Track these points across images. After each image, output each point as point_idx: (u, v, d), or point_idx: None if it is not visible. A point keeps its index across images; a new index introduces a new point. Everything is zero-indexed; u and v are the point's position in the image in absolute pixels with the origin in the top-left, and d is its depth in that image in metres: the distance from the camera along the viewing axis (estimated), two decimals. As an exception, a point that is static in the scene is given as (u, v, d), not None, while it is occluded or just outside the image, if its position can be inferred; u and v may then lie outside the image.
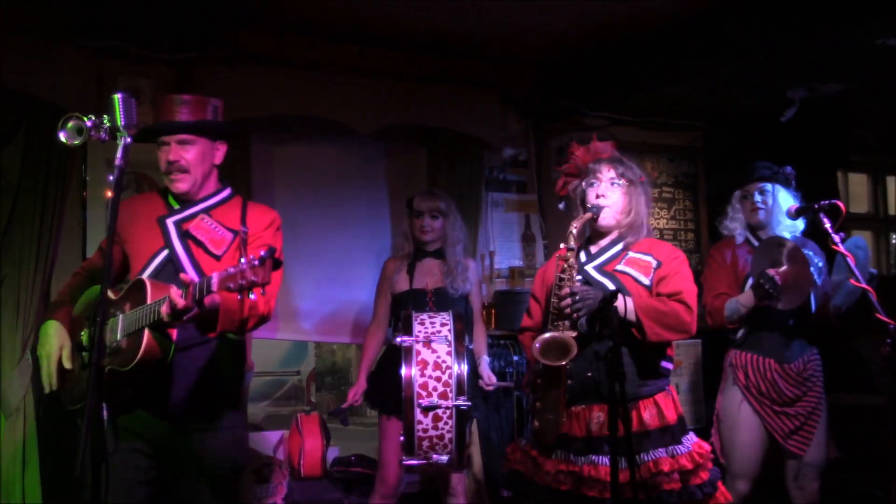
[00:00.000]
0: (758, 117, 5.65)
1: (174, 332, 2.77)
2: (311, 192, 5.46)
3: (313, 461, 5.25)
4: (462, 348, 3.78)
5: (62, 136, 2.50)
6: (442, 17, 4.83)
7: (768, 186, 4.02)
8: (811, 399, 3.91)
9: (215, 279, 2.53)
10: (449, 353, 3.75)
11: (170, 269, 2.89)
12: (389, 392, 4.25)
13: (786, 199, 4.01)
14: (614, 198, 3.20)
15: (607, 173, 3.21)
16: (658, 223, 6.19)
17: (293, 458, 5.30)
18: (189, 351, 2.86)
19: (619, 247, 3.22)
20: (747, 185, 4.08)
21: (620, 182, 3.20)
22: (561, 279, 3.07)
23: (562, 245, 3.10)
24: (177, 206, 3.02)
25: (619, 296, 2.99)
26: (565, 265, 3.07)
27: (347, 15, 4.77)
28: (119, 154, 2.46)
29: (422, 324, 3.83)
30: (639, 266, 3.15)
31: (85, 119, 2.48)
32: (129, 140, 2.48)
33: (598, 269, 3.18)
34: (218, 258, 2.93)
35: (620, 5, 4.64)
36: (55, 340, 2.88)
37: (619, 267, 3.16)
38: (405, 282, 4.41)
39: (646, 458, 2.99)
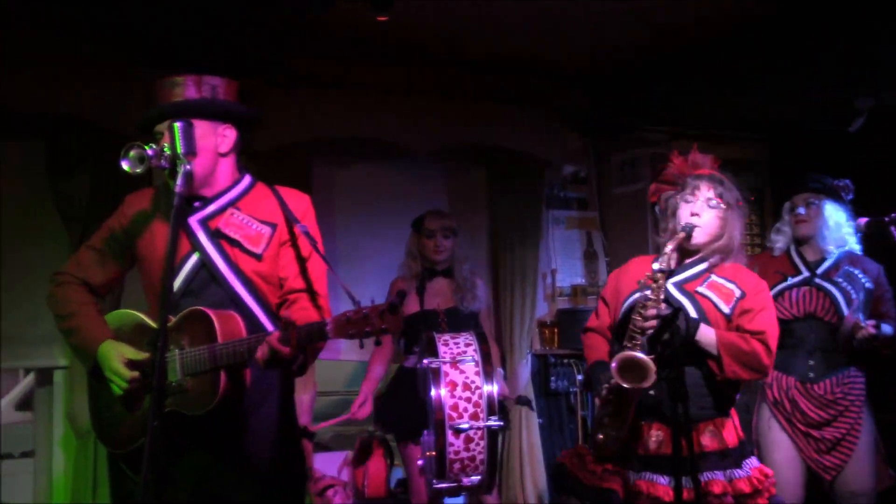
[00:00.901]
0: (825, 128, 5.51)
1: (248, 373, 2.55)
2: (371, 213, 5.50)
3: (377, 482, 5.24)
4: (490, 368, 3.71)
5: (124, 165, 2.52)
6: (498, 35, 4.83)
7: (815, 199, 3.90)
8: (842, 424, 3.74)
9: (331, 326, 2.32)
10: (477, 374, 3.68)
11: (203, 276, 2.63)
12: (405, 418, 4.22)
13: (835, 213, 3.88)
14: (707, 218, 3.09)
15: (706, 192, 3.11)
16: (723, 238, 6.08)
17: (357, 479, 5.31)
18: (259, 391, 2.65)
19: (703, 266, 3.13)
20: (794, 197, 3.98)
21: (718, 204, 3.10)
22: (648, 299, 2.99)
23: (655, 265, 3.00)
24: (196, 203, 2.67)
25: (702, 326, 2.96)
26: (654, 285, 2.99)
27: (404, 37, 4.80)
28: (179, 181, 2.47)
29: (445, 345, 3.77)
30: (721, 292, 3.06)
31: (147, 147, 2.50)
32: (188, 167, 2.49)
33: (678, 286, 3.11)
34: (259, 257, 2.65)
35: (676, 17, 4.57)
36: (112, 353, 2.59)
37: (700, 289, 3.08)
38: (415, 302, 4.38)
39: (701, 480, 2.91)
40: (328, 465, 5.40)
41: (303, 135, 5.01)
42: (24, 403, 8.12)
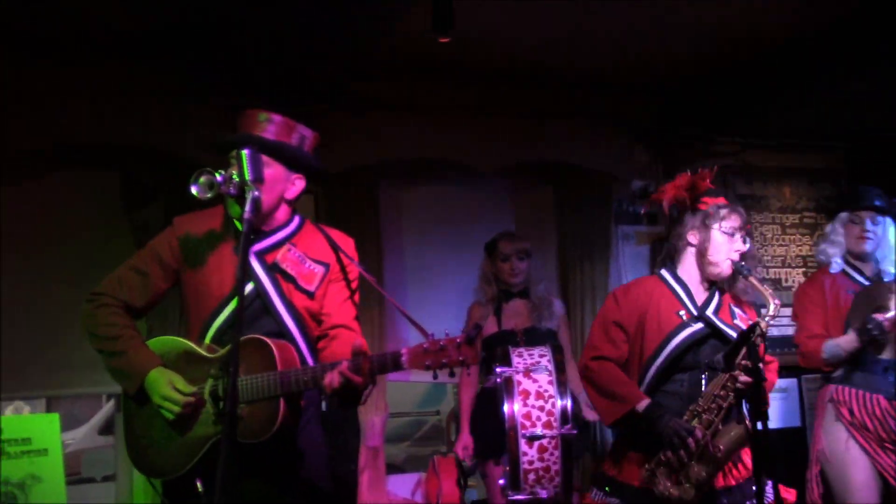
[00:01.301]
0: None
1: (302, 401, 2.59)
2: (439, 234, 5.51)
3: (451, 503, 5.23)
4: (564, 378, 3.69)
5: (194, 190, 2.56)
6: (561, 51, 4.80)
7: (881, 217, 3.87)
8: None
9: (406, 357, 2.35)
10: (550, 383, 3.68)
11: (257, 307, 2.66)
12: (486, 437, 4.22)
13: (892, 232, 3.90)
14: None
15: (742, 232, 3.18)
16: (801, 250, 5.97)
17: (431, 500, 5.30)
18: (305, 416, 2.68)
19: (718, 295, 3.18)
20: (858, 211, 3.89)
21: (746, 241, 3.18)
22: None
23: (766, 317, 3.00)
24: (252, 235, 2.64)
25: None
26: (759, 340, 2.93)
27: (467, 57, 4.80)
28: (248, 207, 2.48)
29: (520, 356, 3.78)
30: (742, 321, 3.13)
31: (216, 174, 2.54)
32: (256, 194, 2.50)
33: (715, 314, 3.12)
34: (311, 295, 2.71)
35: (745, 25, 4.49)
36: (162, 380, 2.59)
37: (737, 321, 3.12)
38: (493, 324, 4.41)
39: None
40: (402, 486, 5.40)
41: (369, 157, 5.05)
42: (106, 428, 8.34)
